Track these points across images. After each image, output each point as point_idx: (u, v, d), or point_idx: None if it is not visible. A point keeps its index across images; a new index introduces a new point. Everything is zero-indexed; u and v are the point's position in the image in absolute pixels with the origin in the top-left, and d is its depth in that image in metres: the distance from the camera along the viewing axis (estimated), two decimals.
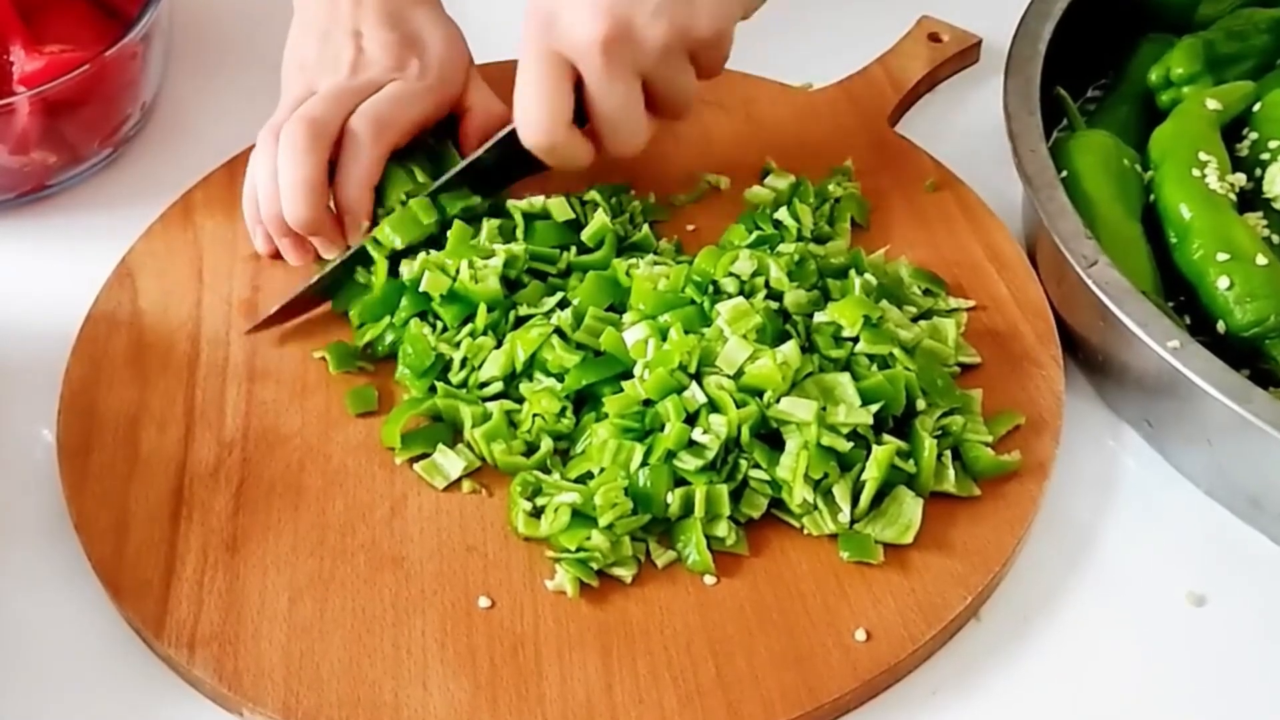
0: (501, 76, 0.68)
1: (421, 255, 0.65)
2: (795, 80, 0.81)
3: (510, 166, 0.68)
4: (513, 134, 0.65)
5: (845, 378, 0.59)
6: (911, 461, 0.58)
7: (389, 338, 0.66)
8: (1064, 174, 0.67)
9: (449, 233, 0.66)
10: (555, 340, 0.62)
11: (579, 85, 0.63)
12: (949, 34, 0.83)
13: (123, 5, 0.78)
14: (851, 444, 0.57)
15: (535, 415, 0.61)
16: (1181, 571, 0.59)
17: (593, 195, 0.71)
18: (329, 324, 0.68)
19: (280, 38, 0.74)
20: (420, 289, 0.64)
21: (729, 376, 0.59)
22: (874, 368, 0.60)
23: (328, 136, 0.67)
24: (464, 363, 0.64)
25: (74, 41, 0.76)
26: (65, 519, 0.60)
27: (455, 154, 0.71)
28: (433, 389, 0.63)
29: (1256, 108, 0.72)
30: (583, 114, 0.64)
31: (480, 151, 0.68)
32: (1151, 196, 0.69)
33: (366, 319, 0.66)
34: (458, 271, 0.64)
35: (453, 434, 0.63)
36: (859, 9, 0.87)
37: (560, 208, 0.68)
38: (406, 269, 0.66)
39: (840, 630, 0.55)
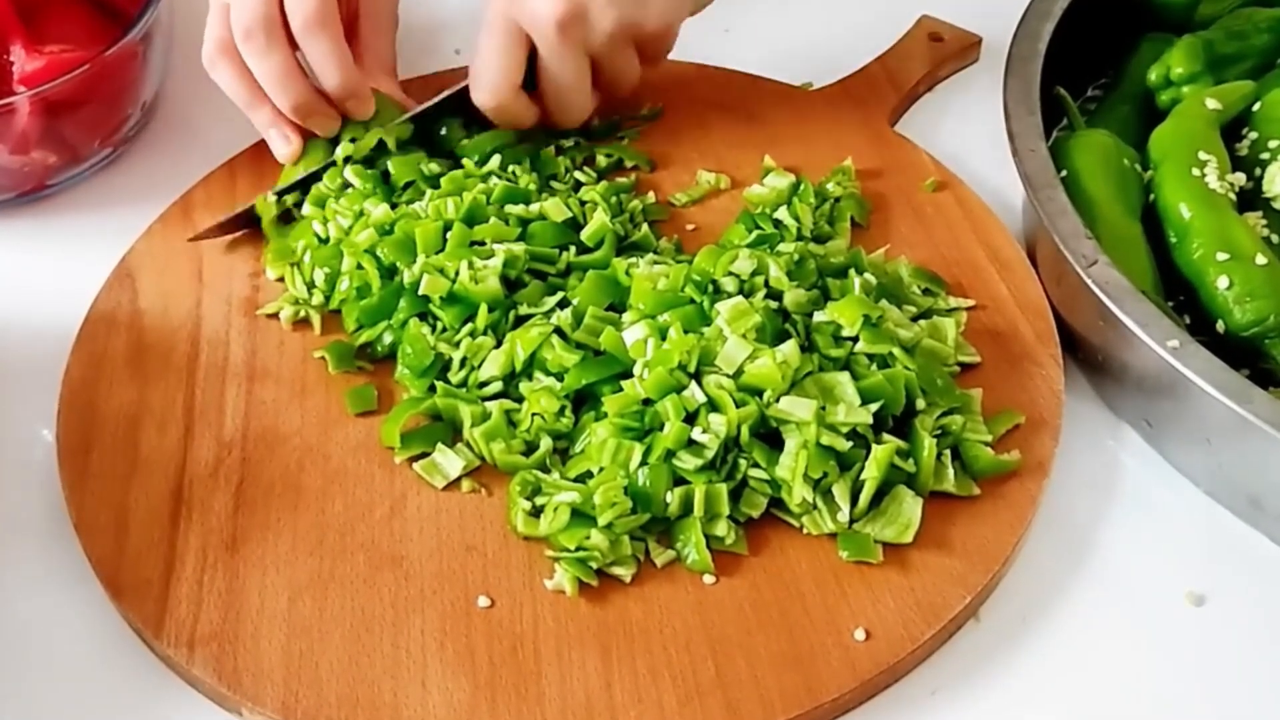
0: None
1: (421, 258, 0.65)
2: (795, 80, 0.81)
3: (458, 115, 0.75)
4: (466, 89, 0.72)
5: (845, 377, 0.59)
6: (911, 461, 0.58)
7: (388, 338, 0.66)
8: (1064, 174, 0.67)
9: (448, 235, 0.66)
10: (555, 340, 0.62)
11: (533, 55, 0.70)
12: (949, 33, 0.83)
13: (123, 5, 0.78)
14: (851, 443, 0.57)
15: (534, 414, 0.61)
16: (1181, 571, 0.59)
17: (592, 195, 0.71)
18: (329, 324, 0.68)
19: None
20: (420, 292, 0.64)
21: (728, 376, 0.59)
22: (874, 367, 0.60)
23: (277, 22, 0.69)
24: (463, 362, 0.64)
25: (74, 41, 0.76)
26: (65, 519, 0.60)
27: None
28: (432, 388, 0.63)
29: (1256, 107, 0.72)
30: (533, 80, 0.71)
31: (434, 100, 0.74)
32: (1151, 196, 0.69)
33: (365, 323, 0.66)
34: (457, 273, 0.64)
35: (452, 433, 0.63)
36: (859, 9, 0.87)
37: (556, 208, 0.69)
38: (406, 272, 0.66)
39: (840, 630, 0.55)
